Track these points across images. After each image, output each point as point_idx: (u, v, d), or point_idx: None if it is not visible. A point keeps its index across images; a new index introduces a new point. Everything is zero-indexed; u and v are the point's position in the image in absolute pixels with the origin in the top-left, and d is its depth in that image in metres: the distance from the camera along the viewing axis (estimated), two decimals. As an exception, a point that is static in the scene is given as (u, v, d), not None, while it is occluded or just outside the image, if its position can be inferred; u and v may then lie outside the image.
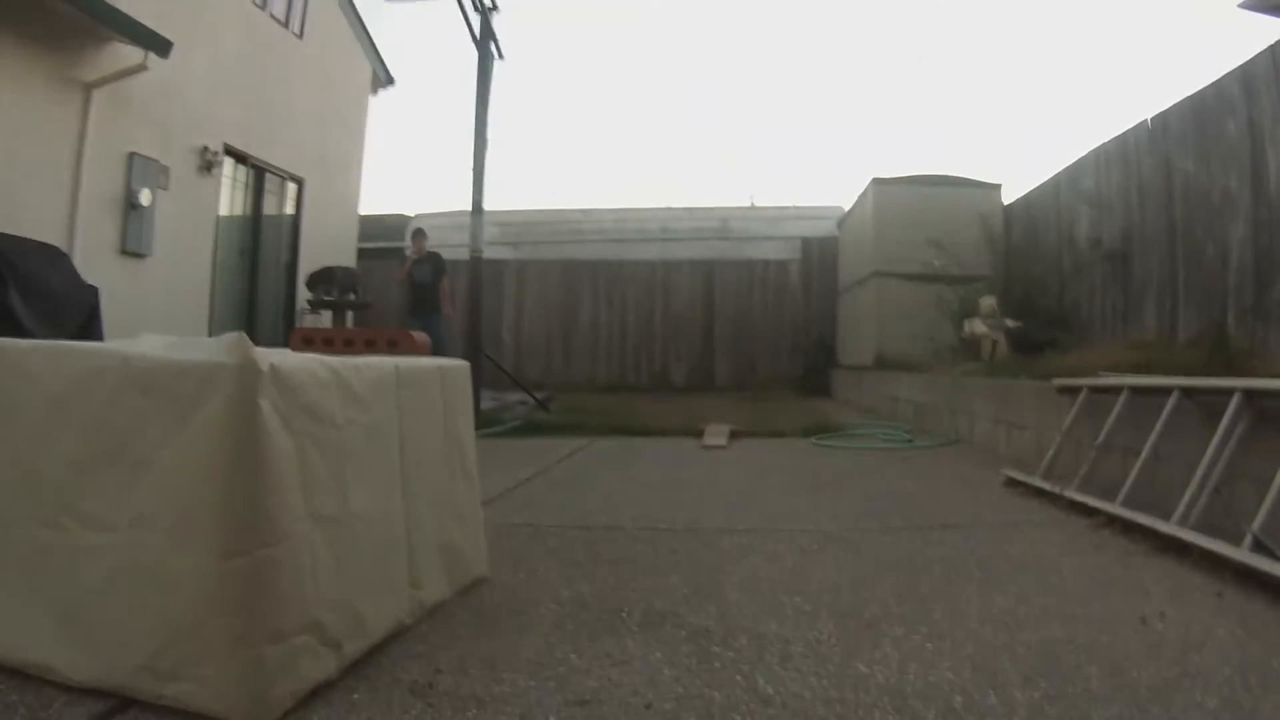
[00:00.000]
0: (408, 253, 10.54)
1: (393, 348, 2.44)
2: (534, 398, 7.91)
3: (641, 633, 2.20)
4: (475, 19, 7.48)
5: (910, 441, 6.76)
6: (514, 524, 3.25)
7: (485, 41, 7.55)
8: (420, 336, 2.66)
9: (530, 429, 6.59)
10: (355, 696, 1.74)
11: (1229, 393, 3.45)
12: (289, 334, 7.32)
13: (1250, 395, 3.36)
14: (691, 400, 11.23)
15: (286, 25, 10.75)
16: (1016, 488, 4.53)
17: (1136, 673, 1.91)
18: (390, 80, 13.20)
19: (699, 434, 7.10)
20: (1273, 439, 3.19)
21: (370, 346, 2.38)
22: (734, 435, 7.10)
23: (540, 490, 4.47)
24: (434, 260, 10.00)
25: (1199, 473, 3.31)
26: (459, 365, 2.68)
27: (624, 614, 2.35)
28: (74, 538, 1.66)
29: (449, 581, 2.38)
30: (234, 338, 1.63)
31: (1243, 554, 2.74)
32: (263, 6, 10.21)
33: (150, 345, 1.85)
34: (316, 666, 1.72)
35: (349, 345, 2.49)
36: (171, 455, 1.60)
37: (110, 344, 1.95)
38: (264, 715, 1.56)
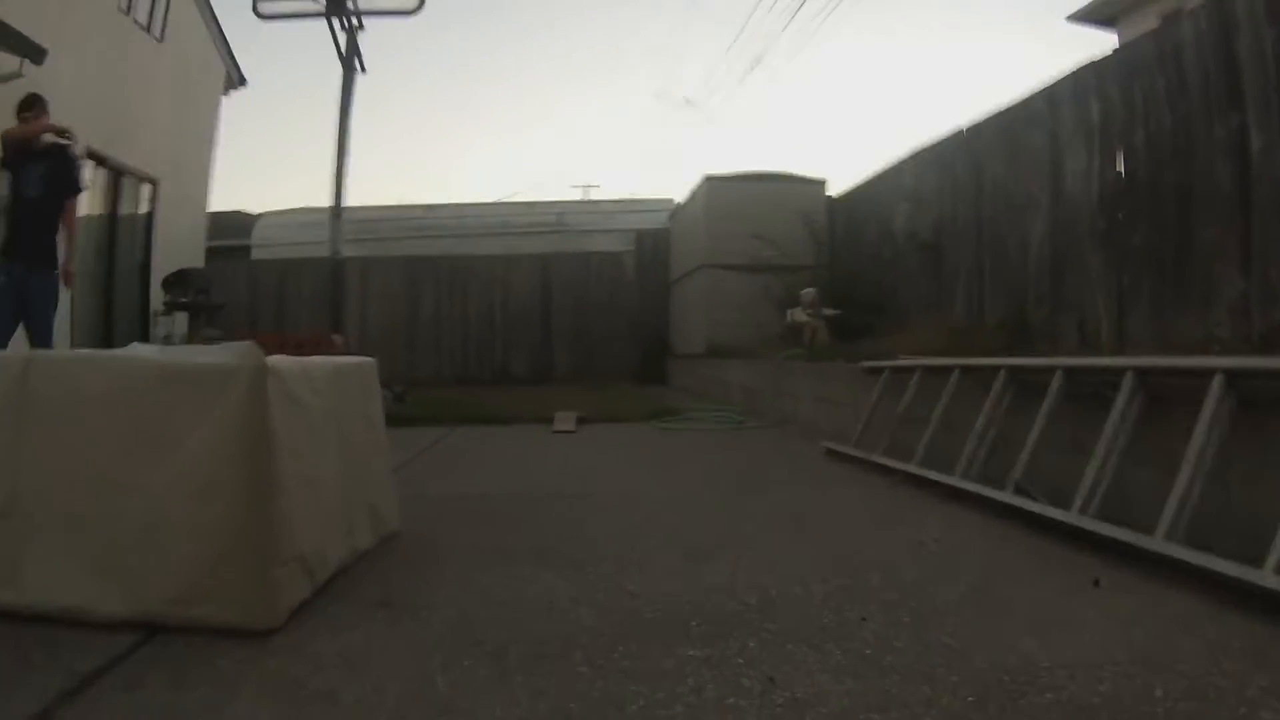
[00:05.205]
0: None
1: (317, 349, 2.92)
2: (392, 391, 8.32)
3: (532, 563, 2.87)
4: (342, 37, 7.82)
5: (741, 422, 7.60)
6: (406, 496, 3.79)
7: (350, 58, 7.90)
8: (339, 339, 2.91)
9: (393, 420, 6.99)
10: (331, 609, 2.32)
11: (997, 369, 4.17)
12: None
13: (1013, 371, 4.10)
14: (534, 391, 11.70)
15: (148, 29, 10.62)
16: (834, 456, 5.32)
17: (907, 573, 2.71)
18: (243, 81, 13.12)
19: (548, 421, 7.74)
20: (1032, 406, 3.74)
21: (300, 349, 2.90)
22: (581, 421, 7.77)
23: (419, 471, 5.01)
24: (56, 162, 5.62)
25: (974, 435, 4.07)
26: (370, 362, 3.26)
27: (515, 552, 3.01)
28: (113, 504, 2.14)
29: (373, 533, 2.97)
30: (246, 346, 2.18)
31: (1006, 495, 3.49)
32: (127, 11, 10.07)
33: (152, 351, 2.36)
34: (300, 588, 2.29)
35: (283, 347, 3.03)
36: (201, 432, 2.13)
37: (138, 351, 2.43)
38: (274, 622, 2.12)
